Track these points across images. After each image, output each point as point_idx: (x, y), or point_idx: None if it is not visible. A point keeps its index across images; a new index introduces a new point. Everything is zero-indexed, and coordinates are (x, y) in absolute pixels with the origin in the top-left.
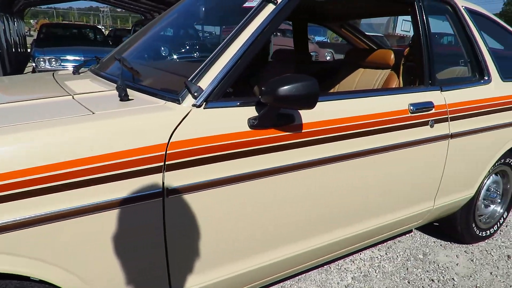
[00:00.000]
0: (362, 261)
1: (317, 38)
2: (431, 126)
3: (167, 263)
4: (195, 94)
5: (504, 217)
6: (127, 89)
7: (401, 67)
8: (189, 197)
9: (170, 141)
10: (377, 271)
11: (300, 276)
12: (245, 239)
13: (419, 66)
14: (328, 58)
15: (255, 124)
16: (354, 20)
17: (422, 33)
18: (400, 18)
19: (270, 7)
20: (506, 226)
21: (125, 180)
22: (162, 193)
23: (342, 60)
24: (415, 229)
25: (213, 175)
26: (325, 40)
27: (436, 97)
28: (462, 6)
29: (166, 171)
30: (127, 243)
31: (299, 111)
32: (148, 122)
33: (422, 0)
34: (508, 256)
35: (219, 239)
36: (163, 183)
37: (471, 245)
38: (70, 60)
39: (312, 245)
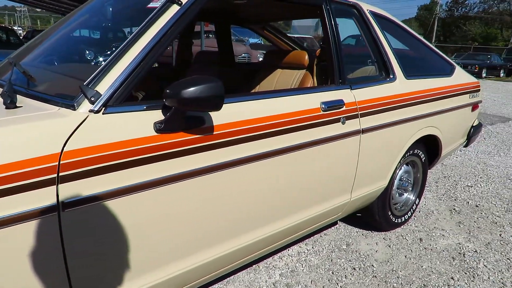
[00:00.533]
0: (290, 257)
1: (251, 40)
2: (343, 123)
3: (69, 284)
4: (91, 99)
5: (417, 203)
6: (18, 96)
7: (315, 67)
8: (87, 210)
9: (64, 150)
10: (303, 265)
11: (228, 278)
12: (160, 247)
13: (329, 66)
14: (260, 59)
15: (161, 128)
16: (274, 22)
17: (330, 35)
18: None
19: (174, 8)
20: (419, 212)
21: (15, 195)
22: (57, 207)
23: (263, 62)
24: (340, 221)
25: (115, 184)
26: (259, 42)
27: (346, 95)
28: (367, 10)
29: (60, 183)
30: (24, 266)
31: (209, 113)
32: (37, 131)
33: (329, 4)
34: (420, 239)
35: (128, 251)
36: (57, 196)
37: (389, 232)
38: None
39: (234, 246)
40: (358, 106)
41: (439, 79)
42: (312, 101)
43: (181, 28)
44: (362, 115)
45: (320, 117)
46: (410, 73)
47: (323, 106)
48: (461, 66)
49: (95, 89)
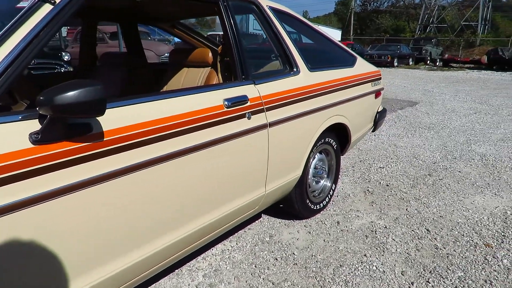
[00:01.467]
0: (214, 256)
1: (176, 40)
2: (248, 118)
3: None
4: None
5: (333, 189)
6: None
7: (218, 64)
8: None
9: None
10: (227, 263)
11: (150, 286)
12: (51, 266)
13: (232, 63)
14: None
15: (38, 139)
16: (178, 20)
17: (230, 32)
18: (251, 17)
19: (47, 8)
20: (337, 196)
21: None
22: None
23: (169, 61)
24: (263, 213)
25: None
26: None
27: (250, 90)
28: (267, 6)
29: None
30: None
31: (97, 118)
32: None
33: (226, 0)
34: (338, 222)
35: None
36: None
37: (309, 219)
38: None
39: (148, 252)
40: (263, 101)
41: (342, 70)
42: (215, 98)
43: (56, 29)
44: (268, 109)
45: (224, 114)
46: (313, 66)
47: (226, 103)
48: (375, 57)
49: None
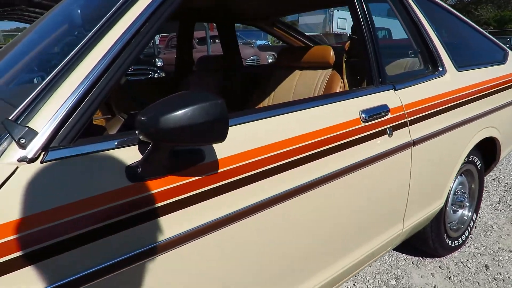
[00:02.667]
0: None
1: (259, 42)
2: (389, 135)
3: None
4: (21, 142)
5: (474, 219)
6: None
7: (344, 65)
8: None
9: None
10: None
11: None
12: None
13: (365, 62)
14: (270, 61)
15: (138, 174)
16: (285, 16)
17: (363, 23)
18: (335, 16)
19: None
20: (476, 228)
21: None
22: None
23: (276, 63)
24: None
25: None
26: (267, 43)
27: (390, 98)
28: None
29: None
30: None
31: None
32: None
33: None
34: (486, 266)
35: None
36: None
37: (445, 258)
38: None
39: None
40: (405, 111)
41: (492, 68)
42: (349, 109)
43: (158, 25)
44: (412, 122)
45: (361, 131)
46: (461, 63)
47: (363, 115)
48: None
49: (27, 125)
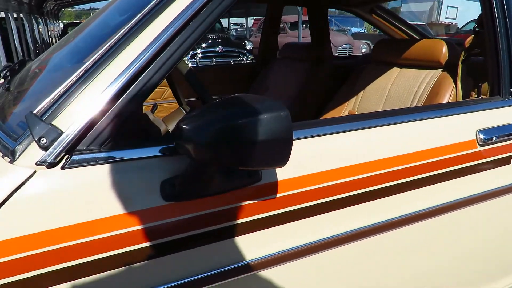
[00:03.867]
0: None
1: (354, 30)
2: None
3: None
4: (42, 142)
5: None
6: None
7: (460, 65)
8: None
9: None
10: None
11: None
12: None
13: (492, 66)
14: (363, 50)
15: (173, 193)
16: (383, 2)
17: (495, 11)
18: (445, 4)
19: None
20: None
21: None
22: None
23: (371, 56)
24: None
25: None
26: (362, 31)
27: None
28: None
29: None
30: None
31: None
32: None
33: None
34: None
35: None
36: None
37: None
38: None
39: None
40: None
41: None
42: (461, 128)
43: (223, 9)
44: None
45: (476, 157)
46: None
47: (482, 136)
48: None
49: (51, 122)
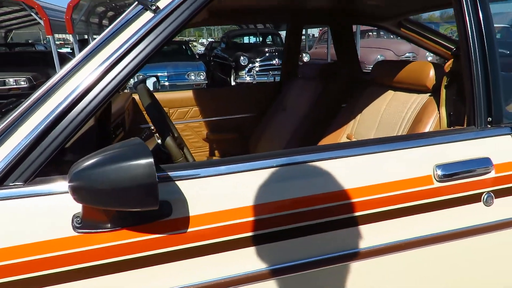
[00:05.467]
0: None
1: None
2: (487, 203)
3: None
4: None
5: None
6: None
7: (443, 91)
8: None
9: None
10: None
11: None
12: None
13: (467, 91)
14: (429, 59)
15: (79, 225)
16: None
17: (470, 32)
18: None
19: (147, 16)
20: None
21: None
22: None
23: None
24: None
25: None
26: None
27: (502, 148)
28: None
29: None
30: None
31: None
32: None
33: None
34: None
35: None
36: None
37: None
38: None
39: None
40: None
41: None
42: (418, 160)
43: (159, 44)
44: None
45: (433, 194)
46: None
47: (438, 172)
48: None
49: None
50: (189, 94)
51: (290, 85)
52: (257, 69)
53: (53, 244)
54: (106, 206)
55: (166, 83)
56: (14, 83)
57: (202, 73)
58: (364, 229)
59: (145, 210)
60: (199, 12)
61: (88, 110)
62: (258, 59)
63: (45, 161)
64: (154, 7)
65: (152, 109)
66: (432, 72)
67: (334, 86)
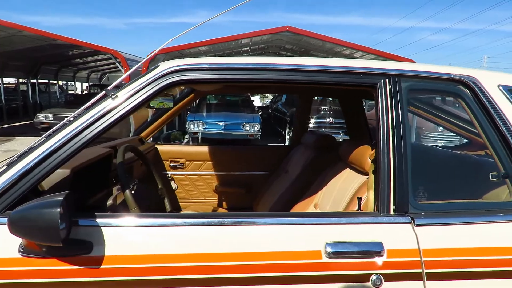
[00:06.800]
0: None
1: None
2: (375, 285)
3: None
4: None
5: None
6: None
7: (371, 176)
8: None
9: None
10: None
11: None
12: None
13: (377, 178)
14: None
15: (22, 250)
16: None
17: (384, 129)
18: None
19: (107, 103)
20: None
21: None
22: None
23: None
24: None
25: None
26: None
27: (396, 234)
28: (498, 85)
29: None
30: None
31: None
32: None
33: (394, 82)
34: None
35: None
36: None
37: None
38: (213, 124)
39: None
40: (423, 259)
41: None
42: (313, 237)
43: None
44: (434, 276)
45: (322, 268)
46: None
47: (328, 249)
48: None
49: None
50: (205, 148)
51: (296, 150)
52: (311, 125)
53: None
54: (26, 238)
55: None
56: None
57: (256, 125)
58: None
59: (62, 246)
60: (151, 99)
61: (51, 166)
62: (312, 117)
63: (16, 198)
64: (114, 96)
65: (118, 167)
66: (368, 155)
67: (322, 156)
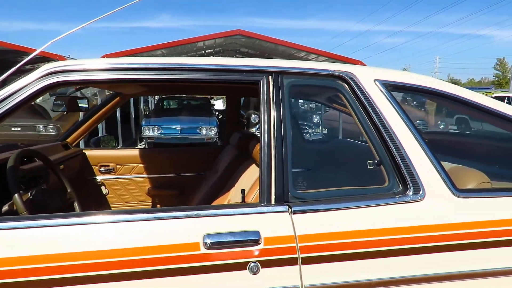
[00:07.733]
0: None
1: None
2: (253, 272)
3: None
4: None
5: None
6: None
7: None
8: None
9: None
10: None
11: None
12: None
13: (260, 171)
14: (441, 127)
15: None
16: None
17: (266, 123)
18: None
19: None
20: None
21: None
22: None
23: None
24: None
25: None
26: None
27: (273, 222)
28: (375, 80)
29: None
30: None
31: None
32: None
33: (277, 79)
34: None
35: None
36: None
37: None
38: (169, 128)
39: None
40: (298, 244)
41: None
42: (191, 230)
43: None
44: (309, 260)
45: (200, 259)
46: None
47: (207, 241)
48: None
49: None
50: (135, 152)
51: (225, 149)
52: (253, 121)
53: None
54: None
55: (179, 135)
56: (43, 130)
57: (213, 128)
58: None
59: None
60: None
61: None
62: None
63: None
64: None
65: (8, 171)
66: (253, 144)
67: (241, 154)
